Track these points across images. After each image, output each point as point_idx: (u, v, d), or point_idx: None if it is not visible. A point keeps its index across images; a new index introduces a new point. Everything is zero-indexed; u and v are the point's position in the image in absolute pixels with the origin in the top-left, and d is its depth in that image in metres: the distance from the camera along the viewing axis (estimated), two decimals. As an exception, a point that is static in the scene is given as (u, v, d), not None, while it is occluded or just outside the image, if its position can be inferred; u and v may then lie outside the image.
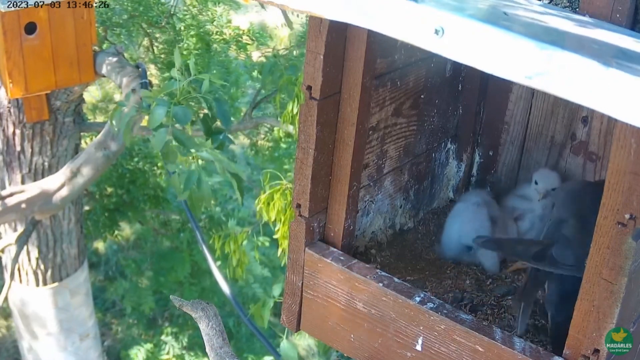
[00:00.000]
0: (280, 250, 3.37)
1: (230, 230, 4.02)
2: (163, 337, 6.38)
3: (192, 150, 2.68)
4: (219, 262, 4.35)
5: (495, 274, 1.80)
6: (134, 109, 2.73)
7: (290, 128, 4.62)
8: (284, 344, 2.82)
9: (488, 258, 1.83)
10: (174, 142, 2.57)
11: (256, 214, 3.41)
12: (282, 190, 3.18)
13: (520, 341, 1.46)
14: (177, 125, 2.55)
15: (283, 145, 5.94)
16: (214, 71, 4.76)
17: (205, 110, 2.67)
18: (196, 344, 6.32)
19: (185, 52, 4.87)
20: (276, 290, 3.23)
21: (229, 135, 2.82)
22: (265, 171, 3.35)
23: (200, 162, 2.82)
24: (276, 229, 3.26)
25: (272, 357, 5.86)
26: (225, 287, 3.60)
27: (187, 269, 6.15)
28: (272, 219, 3.20)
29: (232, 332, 6.41)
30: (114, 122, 2.77)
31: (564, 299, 1.51)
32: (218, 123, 2.67)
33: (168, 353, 6.27)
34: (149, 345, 6.27)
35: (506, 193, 2.00)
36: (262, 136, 6.00)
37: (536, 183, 1.89)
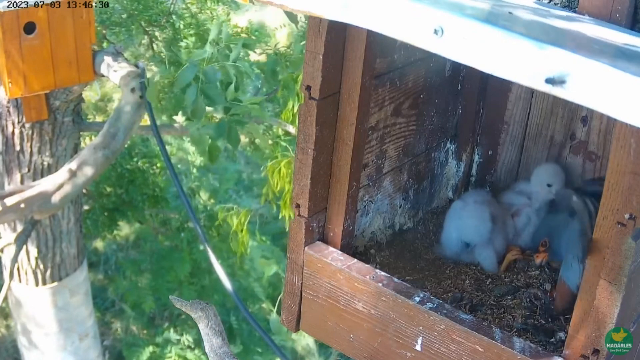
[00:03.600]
0: (281, 214, 3.40)
1: (234, 206, 4.05)
2: (163, 337, 6.38)
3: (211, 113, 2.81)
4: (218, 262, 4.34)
5: (494, 273, 1.80)
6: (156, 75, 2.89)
7: (290, 127, 4.63)
8: (273, 320, 2.86)
9: (486, 258, 1.83)
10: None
11: (260, 200, 3.45)
12: (289, 161, 3.23)
13: (520, 341, 1.46)
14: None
15: (283, 144, 5.93)
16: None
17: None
18: (196, 344, 6.32)
19: (184, 50, 4.86)
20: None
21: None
22: (275, 141, 3.40)
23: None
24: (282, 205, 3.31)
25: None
26: (226, 282, 3.60)
27: (187, 268, 6.14)
28: (278, 187, 3.26)
29: (232, 329, 6.40)
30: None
31: None
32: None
33: (167, 353, 6.26)
34: (148, 345, 6.26)
35: (504, 190, 2.00)
36: (262, 134, 5.99)
37: (549, 185, 1.87)
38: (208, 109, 3.05)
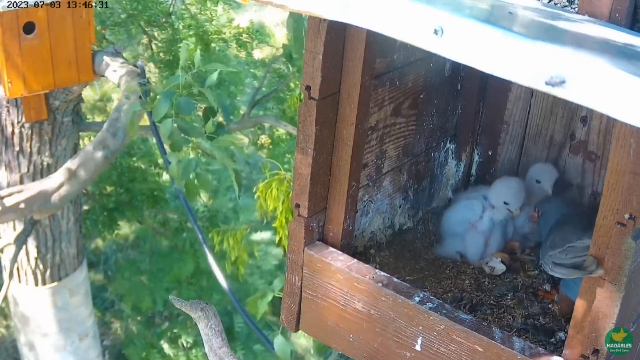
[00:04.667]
0: (277, 238, 3.38)
1: (229, 227, 4.02)
2: (162, 337, 6.38)
3: (193, 140, 2.74)
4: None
5: (492, 273, 1.80)
6: (137, 104, 2.79)
7: (288, 126, 4.63)
8: (278, 340, 2.84)
9: (472, 243, 1.84)
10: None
11: (257, 211, 3.43)
12: (280, 179, 3.19)
13: (520, 341, 1.46)
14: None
15: (282, 145, 5.93)
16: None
17: (203, 107, 2.73)
18: (196, 344, 6.32)
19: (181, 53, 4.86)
20: (277, 285, 3.24)
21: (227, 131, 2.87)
22: (265, 160, 3.37)
23: (200, 156, 2.86)
24: (275, 217, 3.28)
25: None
26: (223, 283, 3.60)
27: (190, 269, 6.14)
28: (270, 207, 3.22)
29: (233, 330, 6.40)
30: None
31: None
32: (219, 118, 2.74)
33: (167, 353, 6.26)
34: (148, 345, 6.26)
35: None
36: (265, 135, 6.00)
37: (538, 182, 1.88)
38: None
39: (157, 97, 2.61)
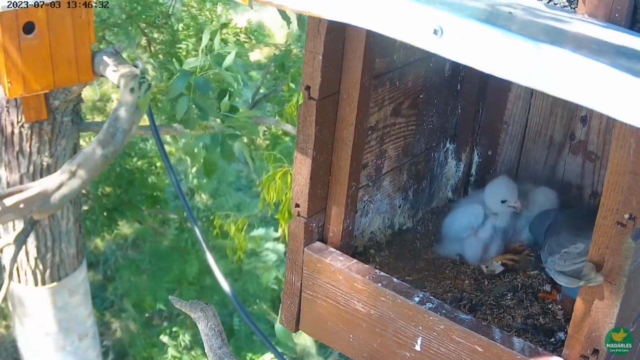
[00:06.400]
0: (280, 231, 3.38)
1: (231, 214, 4.04)
2: (162, 337, 6.38)
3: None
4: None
5: (491, 273, 1.80)
6: (148, 81, 2.83)
7: (288, 126, 4.63)
8: (277, 327, 2.84)
9: (471, 248, 1.84)
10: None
11: (258, 206, 3.44)
12: (284, 172, 3.20)
13: (520, 341, 1.46)
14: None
15: (283, 144, 5.93)
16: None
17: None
18: (196, 344, 6.32)
19: (183, 53, 4.87)
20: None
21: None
22: (268, 153, 3.38)
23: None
24: (279, 209, 3.29)
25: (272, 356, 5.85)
26: (224, 284, 3.60)
27: (195, 270, 6.14)
28: (274, 199, 3.23)
29: (233, 330, 6.40)
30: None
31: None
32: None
33: (167, 353, 6.26)
34: (147, 345, 6.26)
35: None
36: (261, 135, 5.99)
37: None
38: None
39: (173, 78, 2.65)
